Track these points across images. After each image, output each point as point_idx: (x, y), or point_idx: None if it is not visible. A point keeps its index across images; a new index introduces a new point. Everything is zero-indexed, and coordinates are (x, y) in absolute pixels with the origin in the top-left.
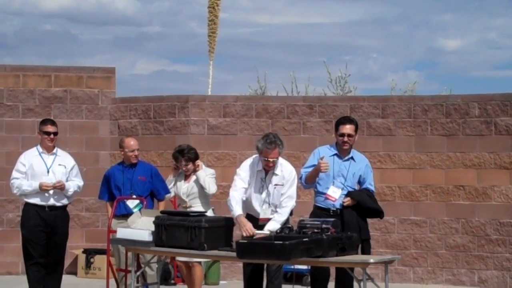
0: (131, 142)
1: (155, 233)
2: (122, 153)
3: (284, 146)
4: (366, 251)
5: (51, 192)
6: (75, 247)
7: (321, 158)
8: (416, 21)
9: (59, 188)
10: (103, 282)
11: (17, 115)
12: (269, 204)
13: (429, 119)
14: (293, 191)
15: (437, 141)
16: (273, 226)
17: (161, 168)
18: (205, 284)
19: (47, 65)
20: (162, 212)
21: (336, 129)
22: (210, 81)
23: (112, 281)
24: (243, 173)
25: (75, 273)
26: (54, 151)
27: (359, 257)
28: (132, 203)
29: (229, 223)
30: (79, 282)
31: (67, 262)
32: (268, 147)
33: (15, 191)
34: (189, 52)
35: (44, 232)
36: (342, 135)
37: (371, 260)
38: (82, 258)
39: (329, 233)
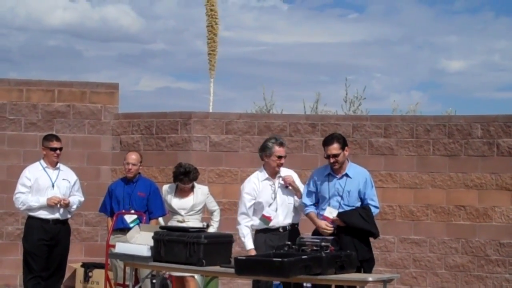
0: (132, 156)
1: (153, 248)
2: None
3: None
4: (367, 272)
5: (57, 206)
6: (74, 260)
7: (330, 222)
8: (419, 42)
9: (65, 205)
10: None
11: (20, 129)
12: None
13: (432, 139)
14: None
15: (439, 161)
16: None
17: (162, 184)
18: None
19: (50, 80)
20: (161, 227)
21: (324, 149)
22: (211, 99)
23: None
24: (247, 195)
25: (73, 287)
26: (58, 166)
27: (357, 275)
28: (129, 217)
29: (228, 239)
30: None
31: (66, 275)
32: (281, 144)
33: (19, 206)
34: (194, 70)
35: (47, 245)
36: (328, 156)
37: (370, 279)
38: (80, 272)
39: (328, 251)
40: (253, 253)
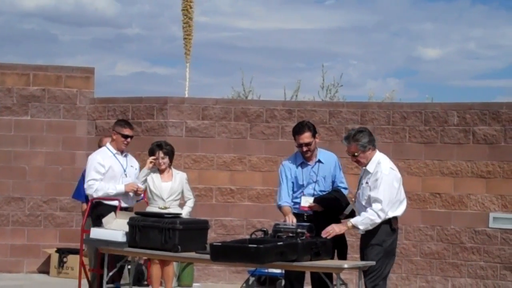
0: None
1: (129, 234)
2: None
3: (262, 150)
4: (341, 257)
5: (131, 194)
6: (48, 246)
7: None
8: (395, 30)
9: (139, 193)
10: (75, 282)
11: None
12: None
13: (408, 126)
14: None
15: (415, 148)
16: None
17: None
18: (179, 286)
19: (25, 64)
20: (136, 213)
21: (294, 138)
22: (187, 84)
23: (84, 281)
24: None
25: (47, 272)
26: (125, 152)
27: (333, 262)
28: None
29: (203, 225)
30: (51, 281)
31: (40, 261)
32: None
33: (92, 193)
34: (169, 55)
35: None
36: (300, 145)
37: (345, 266)
38: (55, 258)
39: (304, 237)
40: None
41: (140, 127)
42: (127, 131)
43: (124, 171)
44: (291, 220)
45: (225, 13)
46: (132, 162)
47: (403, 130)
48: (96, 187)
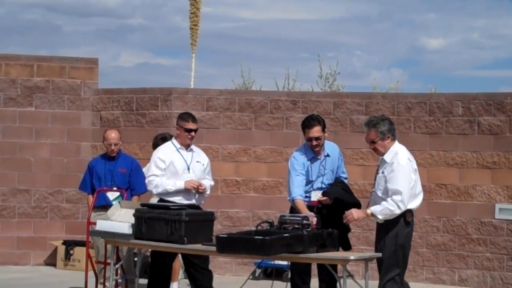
0: (112, 135)
1: (135, 226)
2: (105, 144)
3: (267, 141)
4: (347, 247)
5: (193, 191)
6: (54, 238)
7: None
8: (398, 20)
9: (201, 192)
10: (82, 274)
11: None
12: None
13: (413, 117)
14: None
15: (420, 139)
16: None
17: (142, 161)
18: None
19: (29, 55)
20: (142, 204)
21: (303, 131)
22: (192, 74)
23: (91, 273)
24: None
25: (54, 265)
26: (191, 147)
27: (339, 254)
28: (112, 195)
29: (209, 217)
30: (58, 274)
31: (46, 253)
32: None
33: (153, 189)
34: (173, 46)
35: None
36: (310, 139)
37: (352, 257)
38: (61, 250)
39: (309, 229)
40: None
41: (145, 118)
42: (190, 125)
43: (188, 167)
44: (311, 218)
45: (228, 4)
46: (199, 157)
47: (408, 121)
48: (156, 183)
